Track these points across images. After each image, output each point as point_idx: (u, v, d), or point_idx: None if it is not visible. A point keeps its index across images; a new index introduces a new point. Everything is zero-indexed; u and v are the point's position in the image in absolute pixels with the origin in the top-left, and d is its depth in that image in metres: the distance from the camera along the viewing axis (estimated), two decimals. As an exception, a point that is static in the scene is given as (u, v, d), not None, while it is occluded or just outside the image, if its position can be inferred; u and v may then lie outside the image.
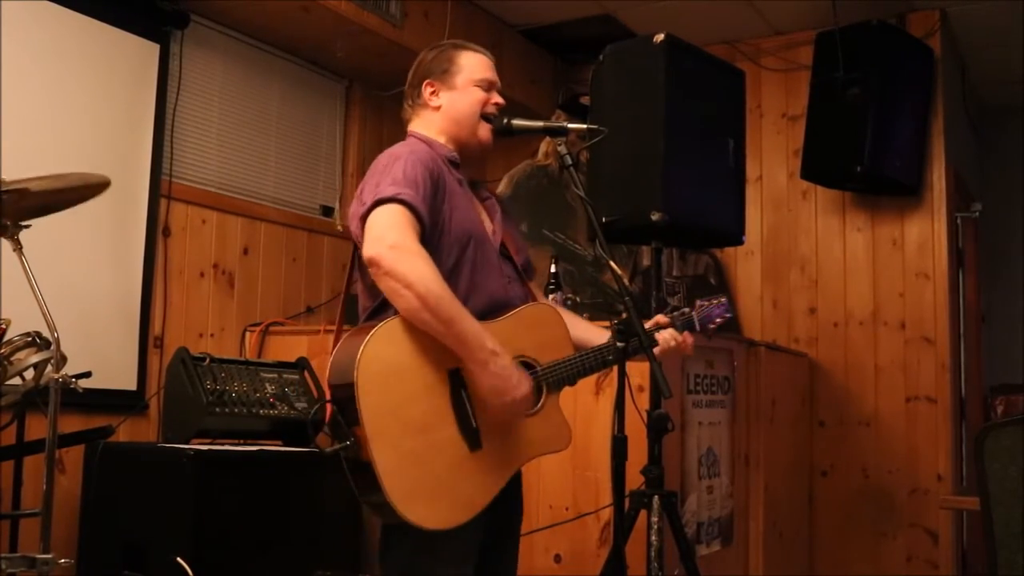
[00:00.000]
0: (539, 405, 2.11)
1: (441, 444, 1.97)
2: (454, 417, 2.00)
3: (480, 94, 2.26)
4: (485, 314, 2.09)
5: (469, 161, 2.30)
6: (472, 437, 2.00)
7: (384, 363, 1.95)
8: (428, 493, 1.94)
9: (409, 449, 1.94)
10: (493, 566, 2.23)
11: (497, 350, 1.95)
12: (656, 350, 2.25)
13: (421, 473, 1.94)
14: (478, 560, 2.13)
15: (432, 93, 2.27)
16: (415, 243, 1.96)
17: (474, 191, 2.31)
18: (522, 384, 1.99)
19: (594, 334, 2.33)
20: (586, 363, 2.18)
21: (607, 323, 2.25)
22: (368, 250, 1.96)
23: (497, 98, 2.28)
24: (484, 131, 2.26)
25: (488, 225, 2.26)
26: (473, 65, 2.27)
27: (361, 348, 1.93)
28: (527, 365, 2.11)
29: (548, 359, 2.13)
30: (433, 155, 2.16)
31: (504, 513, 2.22)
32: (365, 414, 1.90)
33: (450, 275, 2.06)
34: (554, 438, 2.14)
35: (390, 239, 1.94)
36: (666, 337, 2.28)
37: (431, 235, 2.06)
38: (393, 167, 2.05)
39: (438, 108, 2.27)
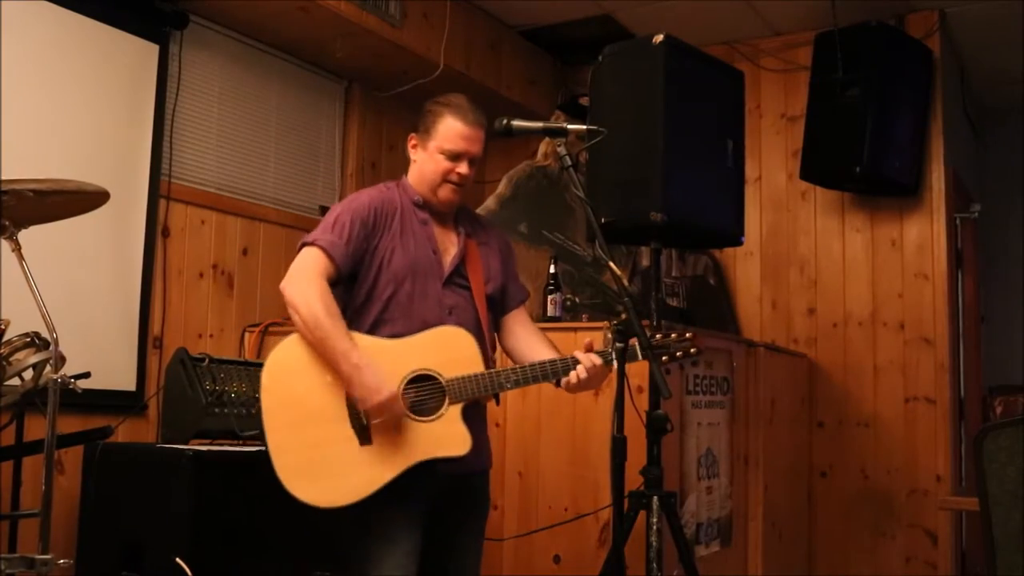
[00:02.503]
0: (439, 413, 2.30)
1: (334, 436, 2.27)
2: (347, 414, 2.27)
3: (443, 164, 2.43)
4: None
5: (436, 210, 2.49)
6: (362, 433, 2.26)
7: (286, 365, 2.31)
8: (315, 475, 2.25)
9: (301, 437, 2.27)
10: (450, 559, 2.47)
11: (360, 364, 2.23)
12: (572, 375, 2.35)
13: (310, 458, 2.26)
14: (426, 547, 2.37)
15: (413, 147, 2.52)
16: (316, 278, 2.31)
17: (455, 225, 2.53)
18: (380, 391, 2.22)
19: (541, 354, 2.46)
20: (495, 381, 2.33)
21: (606, 323, 2.27)
22: (282, 282, 2.34)
23: (462, 168, 2.41)
24: (444, 193, 2.45)
25: (445, 259, 2.46)
26: (446, 134, 2.42)
27: (272, 353, 2.34)
28: (428, 377, 2.31)
29: (454, 374, 2.32)
30: (392, 198, 2.47)
31: (457, 509, 2.46)
32: (264, 405, 2.28)
33: (387, 304, 2.38)
34: (447, 444, 2.30)
35: (295, 273, 2.33)
36: (582, 365, 2.35)
37: (369, 270, 2.39)
38: (335, 213, 2.41)
39: (415, 162, 2.52)
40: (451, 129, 2.41)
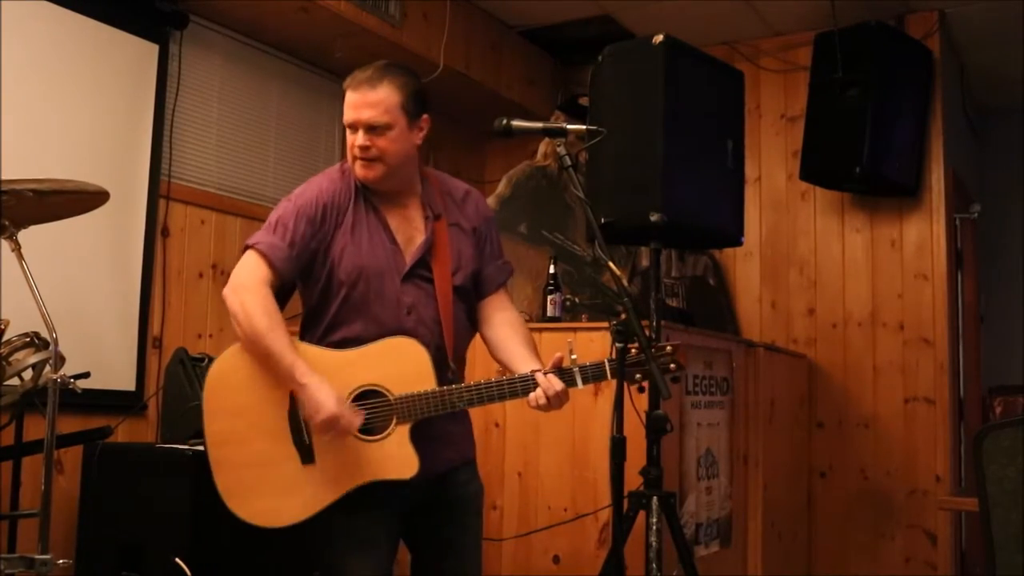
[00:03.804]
0: (386, 433, 2.17)
1: (275, 454, 2.17)
2: (290, 431, 2.17)
3: (349, 139, 2.27)
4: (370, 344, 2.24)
5: (387, 192, 2.31)
6: (305, 451, 2.16)
7: (228, 377, 2.22)
8: (254, 494, 2.16)
9: (242, 453, 2.17)
10: (444, 558, 2.34)
11: (306, 381, 2.10)
12: (532, 397, 2.19)
13: (250, 476, 2.17)
14: (418, 551, 2.34)
15: None
16: (256, 287, 2.18)
17: (422, 206, 2.34)
18: (324, 409, 2.09)
19: (511, 353, 2.31)
20: (447, 400, 2.18)
21: (606, 324, 2.25)
22: (224, 289, 2.23)
23: (359, 140, 2.22)
24: (357, 170, 2.27)
25: (408, 249, 2.29)
26: (344, 108, 2.27)
27: (214, 363, 2.25)
28: (376, 393, 2.18)
29: (404, 390, 2.18)
30: (347, 186, 2.29)
31: (441, 508, 2.32)
32: (205, 419, 2.20)
33: (340, 308, 2.24)
34: (393, 465, 2.16)
35: (237, 281, 2.21)
36: (541, 389, 2.18)
37: (322, 269, 2.25)
38: (280, 210, 2.26)
39: None
40: (345, 101, 2.25)
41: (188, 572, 2.76)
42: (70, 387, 2.48)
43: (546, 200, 4.58)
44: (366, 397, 2.18)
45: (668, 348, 2.26)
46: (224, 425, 2.19)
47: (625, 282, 2.33)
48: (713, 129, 3.18)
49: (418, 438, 2.17)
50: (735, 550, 3.94)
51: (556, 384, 2.17)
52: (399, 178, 2.30)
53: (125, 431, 3.52)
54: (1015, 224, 6.11)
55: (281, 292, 2.28)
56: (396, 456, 2.16)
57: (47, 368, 2.57)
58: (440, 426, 2.26)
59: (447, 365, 2.26)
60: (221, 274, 4.09)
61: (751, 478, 4.08)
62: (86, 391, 2.69)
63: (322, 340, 2.26)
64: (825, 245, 4.99)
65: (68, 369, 2.51)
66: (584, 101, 3.79)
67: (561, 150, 2.31)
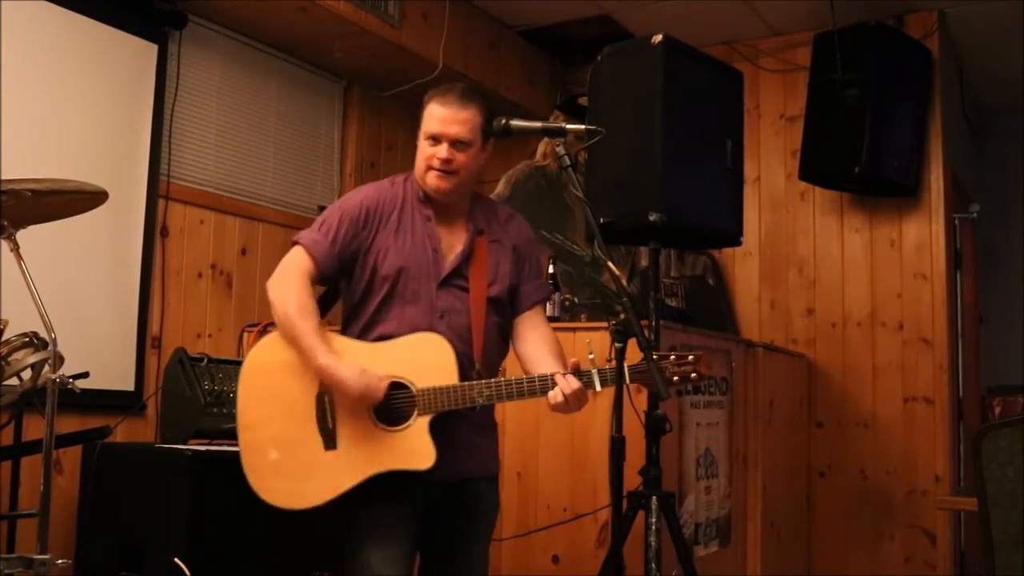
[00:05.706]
0: (407, 424, 2.25)
1: (301, 438, 2.26)
2: (315, 417, 2.27)
3: (426, 149, 2.37)
4: None
5: (439, 201, 2.42)
6: (328, 437, 2.26)
7: (263, 364, 2.33)
8: (278, 476, 2.27)
9: (269, 436, 2.28)
10: (452, 565, 2.43)
11: (321, 362, 2.22)
12: (551, 396, 2.24)
13: (275, 458, 2.27)
14: (429, 554, 2.42)
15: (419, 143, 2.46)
16: (296, 277, 2.31)
17: (467, 220, 2.45)
18: (349, 388, 2.19)
19: (539, 365, 2.37)
20: (467, 395, 2.24)
21: (605, 324, 2.26)
22: (268, 280, 2.37)
23: (440, 152, 2.34)
24: (430, 180, 2.37)
25: (448, 257, 2.39)
26: (426, 118, 2.38)
27: (251, 349, 2.37)
28: (400, 385, 2.26)
29: (427, 384, 2.26)
30: (395, 195, 2.42)
31: (456, 516, 2.40)
32: (238, 403, 2.31)
33: (380, 306, 2.35)
34: (412, 456, 2.24)
35: (279, 271, 2.35)
36: (559, 388, 2.23)
37: (364, 269, 2.37)
38: (327, 211, 2.43)
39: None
40: (429, 113, 2.37)
41: (187, 572, 2.76)
42: (69, 387, 2.48)
43: (545, 200, 4.57)
44: (391, 389, 2.26)
45: (691, 357, 2.29)
46: (255, 409, 2.30)
47: (624, 282, 2.33)
48: (712, 129, 3.18)
49: (443, 444, 2.24)
50: (734, 550, 3.94)
51: (573, 383, 2.23)
52: (461, 193, 2.42)
53: (124, 431, 3.52)
54: (1015, 224, 6.11)
55: (325, 297, 2.43)
56: (414, 447, 2.23)
57: (46, 368, 2.57)
58: (466, 435, 2.35)
59: (472, 367, 2.33)
60: (220, 274, 4.09)
61: (750, 478, 4.08)
62: (85, 391, 2.70)
63: (359, 337, 2.36)
64: (824, 245, 4.99)
65: (67, 369, 2.51)
66: (583, 101, 3.79)
67: (560, 150, 2.32)
